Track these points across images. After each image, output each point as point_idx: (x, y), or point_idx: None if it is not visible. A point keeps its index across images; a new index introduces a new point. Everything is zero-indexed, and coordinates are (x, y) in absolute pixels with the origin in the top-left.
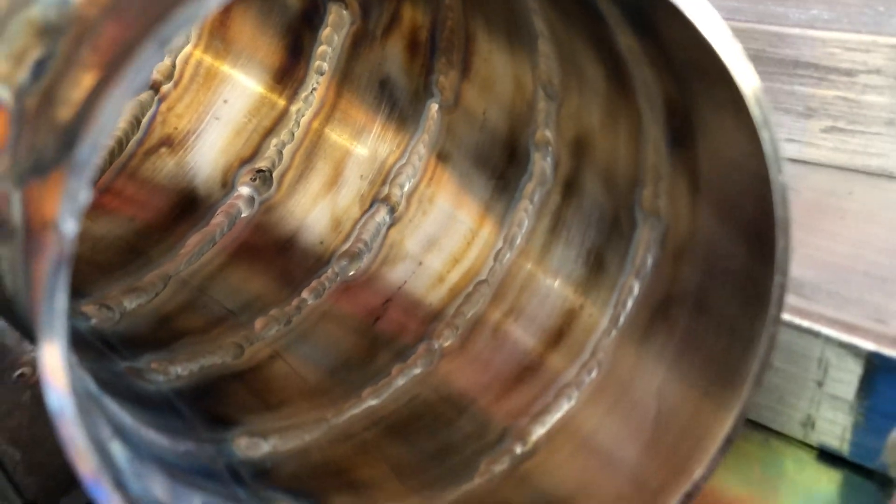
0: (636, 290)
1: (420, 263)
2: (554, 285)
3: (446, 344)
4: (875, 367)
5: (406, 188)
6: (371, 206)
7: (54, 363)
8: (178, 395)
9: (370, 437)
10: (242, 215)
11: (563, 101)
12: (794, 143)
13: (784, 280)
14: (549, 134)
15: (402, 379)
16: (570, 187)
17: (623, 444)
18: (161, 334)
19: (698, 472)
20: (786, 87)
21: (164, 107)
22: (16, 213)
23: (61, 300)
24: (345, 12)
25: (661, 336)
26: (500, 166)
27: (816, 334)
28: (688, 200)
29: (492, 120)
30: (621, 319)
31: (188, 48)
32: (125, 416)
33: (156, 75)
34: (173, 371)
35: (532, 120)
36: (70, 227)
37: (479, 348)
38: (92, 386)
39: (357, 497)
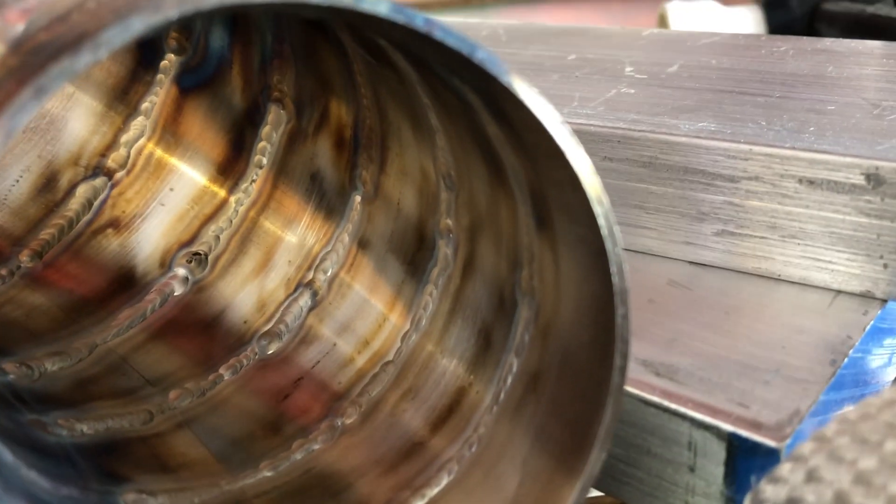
0: (515, 366)
1: (334, 345)
2: (450, 366)
3: (348, 422)
4: (736, 448)
5: (329, 273)
6: (295, 289)
7: None
8: (77, 449)
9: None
10: (175, 293)
11: (459, 190)
12: (690, 245)
13: (626, 348)
14: (450, 222)
15: (301, 453)
16: (466, 270)
17: None
18: (76, 396)
19: None
20: (679, 192)
21: (115, 192)
22: None
23: None
24: (282, 111)
25: (529, 409)
26: (410, 252)
27: (684, 416)
28: (552, 279)
29: (405, 209)
30: (501, 395)
31: (142, 140)
32: (6, 453)
33: (111, 163)
34: (79, 428)
35: (437, 209)
36: None
37: (375, 426)
38: None
39: None
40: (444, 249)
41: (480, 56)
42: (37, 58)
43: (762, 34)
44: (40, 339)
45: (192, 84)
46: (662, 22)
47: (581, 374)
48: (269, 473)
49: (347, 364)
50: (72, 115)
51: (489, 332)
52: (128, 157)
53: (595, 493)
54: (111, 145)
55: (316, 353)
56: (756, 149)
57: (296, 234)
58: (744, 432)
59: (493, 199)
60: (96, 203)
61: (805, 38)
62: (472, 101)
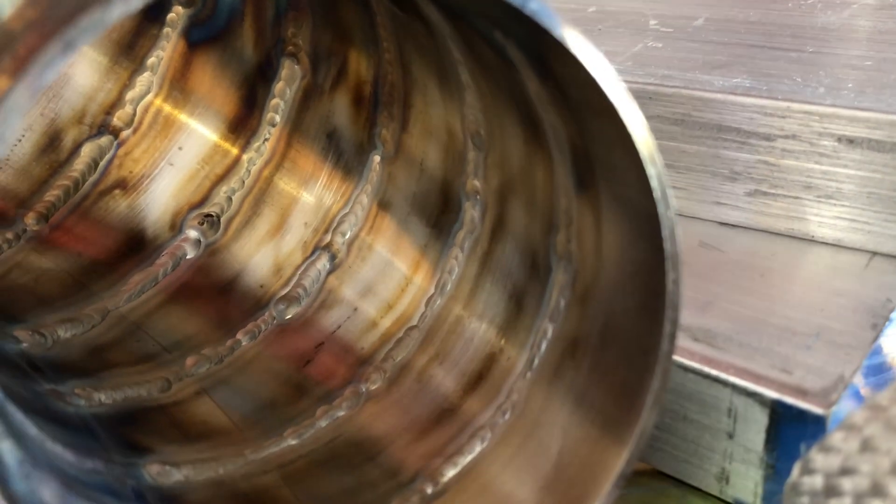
0: (549, 332)
1: (355, 309)
2: (479, 330)
3: (373, 387)
4: (779, 415)
5: (348, 236)
6: (313, 252)
7: None
8: (96, 419)
9: (286, 473)
10: (187, 257)
11: (489, 151)
12: (722, 206)
13: (675, 315)
14: (477, 183)
15: (326, 420)
16: (495, 234)
17: (524, 483)
18: (91, 363)
19: None
20: (711, 150)
21: (121, 151)
22: None
23: None
24: (296, 67)
25: (568, 376)
26: (434, 214)
27: (724, 383)
28: (593, 243)
29: (428, 170)
30: (535, 361)
31: (149, 97)
32: (30, 427)
33: (116, 122)
34: (97, 398)
35: (463, 170)
36: None
37: (402, 392)
38: None
39: None
40: (471, 212)
41: (533, 6)
42: (59, 9)
43: None
44: (51, 305)
45: (201, 38)
46: None
47: (626, 341)
48: (293, 442)
49: (370, 328)
50: (75, 70)
51: (521, 296)
52: (134, 114)
53: None
54: (116, 102)
55: (337, 316)
56: (794, 106)
57: (312, 194)
58: (789, 399)
59: (528, 159)
60: (102, 163)
61: None
62: (512, 56)
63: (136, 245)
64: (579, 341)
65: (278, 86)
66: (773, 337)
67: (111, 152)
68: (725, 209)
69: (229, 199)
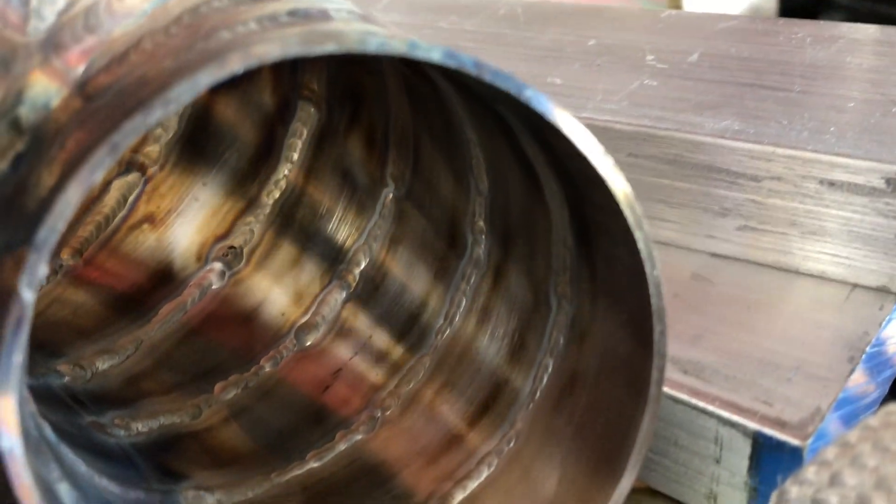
0: (550, 366)
1: (370, 337)
2: (485, 360)
3: (388, 413)
4: (760, 445)
5: (361, 267)
6: (330, 282)
7: (7, 411)
8: (135, 449)
9: (309, 496)
10: (213, 287)
11: (493, 199)
12: (713, 239)
13: (662, 363)
14: (483, 225)
15: (344, 444)
16: (500, 270)
17: None
18: (127, 393)
19: None
20: (702, 188)
21: (149, 187)
22: None
23: (18, 357)
24: (312, 110)
25: (567, 409)
26: (442, 250)
27: (711, 414)
28: (589, 290)
29: (436, 209)
30: (538, 394)
31: (173, 137)
32: (80, 465)
33: (143, 159)
34: (134, 427)
35: (469, 211)
36: (28, 295)
37: (414, 418)
38: (49, 433)
39: None
40: (477, 250)
41: (528, 94)
42: (102, 102)
43: (778, 19)
44: (88, 338)
45: (221, 83)
46: None
47: (618, 383)
48: (315, 465)
49: (383, 357)
50: None
51: (523, 333)
52: (160, 152)
53: None
54: (143, 141)
55: (352, 345)
56: (779, 150)
57: (329, 228)
58: (769, 431)
59: (529, 209)
60: (131, 198)
61: (821, 22)
62: (513, 123)
63: (164, 277)
64: (577, 378)
65: (295, 127)
66: (757, 370)
67: (139, 188)
68: (717, 242)
69: (252, 231)
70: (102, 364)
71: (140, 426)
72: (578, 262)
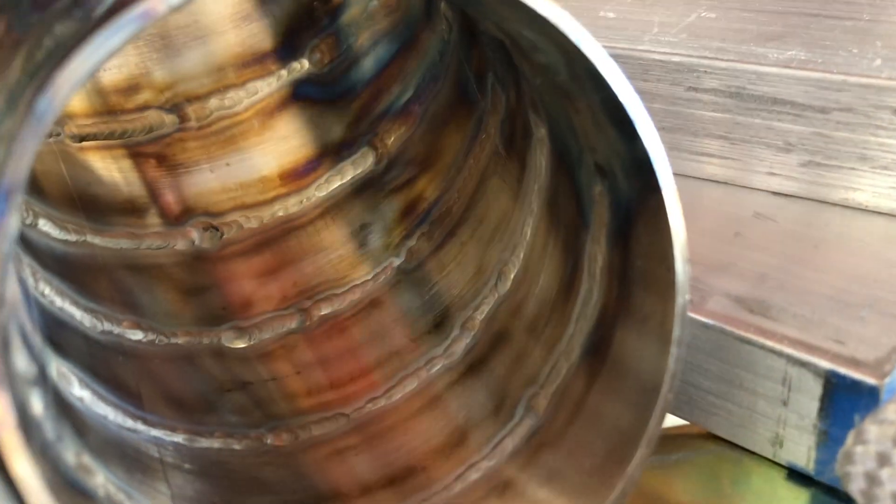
0: (482, 471)
1: (298, 373)
2: (416, 440)
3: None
4: (833, 385)
5: (323, 312)
6: (287, 308)
7: None
8: None
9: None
10: (176, 247)
11: (508, 297)
12: (775, 176)
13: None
14: (479, 322)
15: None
16: (472, 369)
17: None
18: None
19: None
20: (765, 122)
21: (177, 135)
22: None
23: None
24: (371, 158)
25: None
26: (420, 332)
27: (779, 353)
28: (571, 405)
29: (436, 294)
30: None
31: (229, 111)
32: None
33: (189, 111)
34: None
35: (471, 305)
36: None
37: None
38: None
39: None
40: (458, 344)
41: None
42: None
43: None
44: None
45: (307, 95)
46: None
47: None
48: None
49: (298, 396)
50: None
51: (467, 430)
52: (209, 114)
53: (680, 421)
54: (202, 97)
55: (286, 369)
56: (850, 79)
57: (314, 263)
58: (843, 370)
59: (544, 319)
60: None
61: None
62: (593, 219)
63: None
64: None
65: (345, 164)
66: (827, 308)
67: (171, 128)
68: (779, 179)
69: (241, 226)
70: None
71: None
72: (576, 374)
